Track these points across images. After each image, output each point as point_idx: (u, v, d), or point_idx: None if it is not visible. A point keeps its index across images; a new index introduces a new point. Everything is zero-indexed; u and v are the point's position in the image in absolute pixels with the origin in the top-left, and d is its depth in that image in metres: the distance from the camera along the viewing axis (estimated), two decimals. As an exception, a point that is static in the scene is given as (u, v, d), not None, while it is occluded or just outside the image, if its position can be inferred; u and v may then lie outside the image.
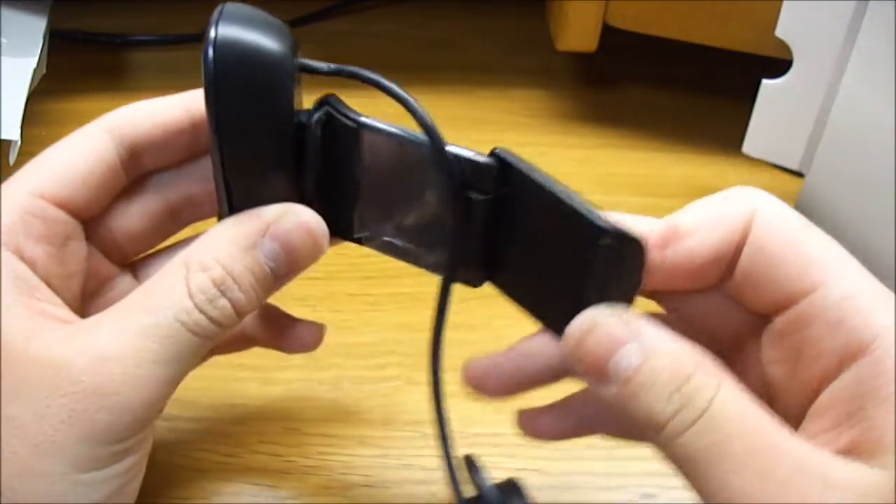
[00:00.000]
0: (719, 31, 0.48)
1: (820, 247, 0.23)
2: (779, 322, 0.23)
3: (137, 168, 0.27)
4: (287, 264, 0.25)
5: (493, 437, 0.34)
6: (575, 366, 0.21)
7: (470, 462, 0.26)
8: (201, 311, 0.24)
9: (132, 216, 0.28)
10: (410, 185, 0.25)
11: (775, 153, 0.48)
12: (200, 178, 0.28)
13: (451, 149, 0.24)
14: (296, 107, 0.24)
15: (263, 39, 0.23)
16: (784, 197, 0.49)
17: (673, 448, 0.20)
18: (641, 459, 0.32)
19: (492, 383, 0.27)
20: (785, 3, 0.44)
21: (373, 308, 0.40)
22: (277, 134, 0.24)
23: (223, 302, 0.24)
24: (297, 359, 0.37)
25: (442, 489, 0.33)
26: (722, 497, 0.19)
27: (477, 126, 0.54)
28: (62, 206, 0.25)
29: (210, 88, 0.22)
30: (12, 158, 0.39)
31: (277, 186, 0.25)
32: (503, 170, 0.24)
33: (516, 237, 0.24)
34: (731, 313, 0.25)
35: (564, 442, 0.29)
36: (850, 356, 0.21)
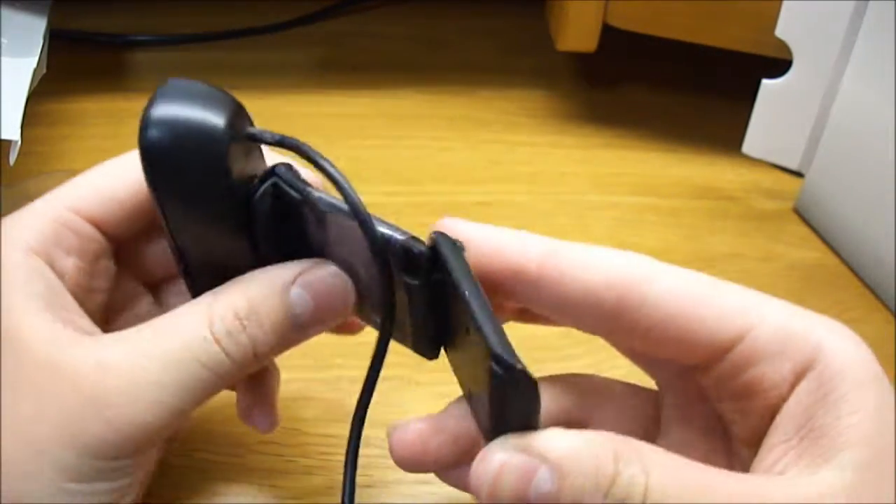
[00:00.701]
0: (719, 31, 0.48)
1: (735, 296, 0.23)
2: (717, 370, 0.23)
3: None
4: (312, 315, 0.25)
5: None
6: None
7: None
8: (217, 342, 0.23)
9: (161, 241, 0.28)
10: (358, 256, 0.25)
11: (775, 153, 0.48)
12: None
13: (384, 231, 0.23)
14: (249, 172, 0.24)
15: (198, 116, 0.22)
16: (784, 197, 0.50)
17: None
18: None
19: (433, 454, 0.26)
20: (785, 3, 0.44)
21: (373, 308, 0.40)
22: (218, 209, 0.24)
23: (243, 338, 0.24)
24: (298, 359, 0.37)
25: (443, 489, 0.33)
26: None
27: (476, 126, 0.54)
28: (96, 224, 0.26)
29: (146, 167, 0.23)
30: (12, 158, 0.39)
31: (232, 255, 0.25)
32: (437, 256, 0.23)
33: (451, 324, 0.24)
34: (668, 362, 0.25)
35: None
36: (798, 378, 0.22)
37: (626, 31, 0.49)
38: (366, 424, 0.35)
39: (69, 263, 0.25)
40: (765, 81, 0.46)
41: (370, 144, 0.51)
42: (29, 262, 0.24)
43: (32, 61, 0.43)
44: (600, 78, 0.59)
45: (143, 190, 0.26)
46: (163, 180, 0.23)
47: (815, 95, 0.45)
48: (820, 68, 0.44)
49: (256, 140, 0.24)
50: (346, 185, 0.23)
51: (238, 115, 0.23)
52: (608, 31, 0.50)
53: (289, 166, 0.25)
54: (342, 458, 0.34)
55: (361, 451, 0.34)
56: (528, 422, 0.21)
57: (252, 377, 0.30)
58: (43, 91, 0.44)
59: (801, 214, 0.48)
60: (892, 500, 0.20)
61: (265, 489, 0.32)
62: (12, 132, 0.39)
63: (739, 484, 0.20)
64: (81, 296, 0.25)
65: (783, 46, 0.45)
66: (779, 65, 0.45)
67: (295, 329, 0.25)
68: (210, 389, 0.24)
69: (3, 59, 0.43)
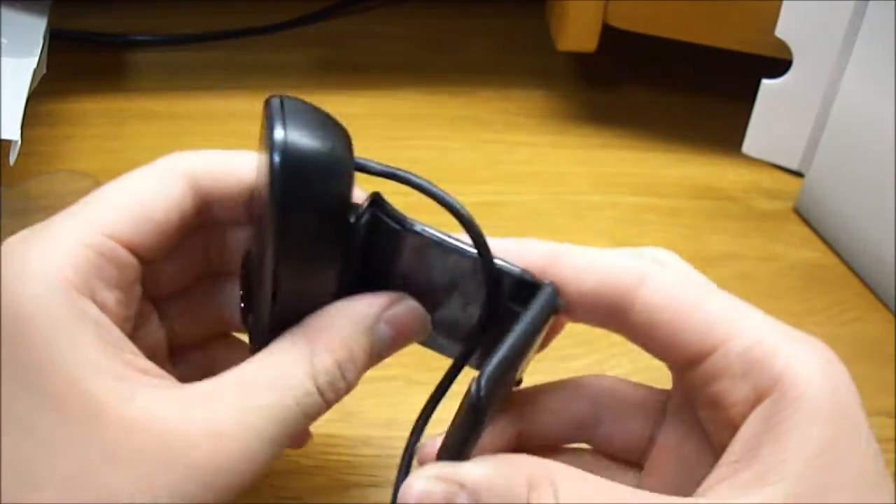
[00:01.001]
0: (719, 31, 0.48)
1: (718, 307, 0.24)
2: (690, 377, 0.24)
3: (204, 217, 0.26)
4: (392, 347, 0.25)
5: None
6: None
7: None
8: (320, 393, 0.23)
9: (180, 260, 0.27)
10: (449, 288, 0.25)
11: (775, 153, 0.48)
12: (248, 237, 0.28)
13: (498, 263, 0.25)
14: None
15: (326, 143, 0.23)
16: (784, 197, 0.50)
17: None
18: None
19: None
20: (785, 3, 0.44)
21: (373, 308, 0.40)
22: (332, 236, 0.24)
23: (342, 384, 0.24)
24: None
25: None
26: None
27: (477, 126, 0.54)
28: (133, 250, 0.24)
29: (277, 191, 0.22)
30: (12, 158, 0.39)
31: (325, 282, 0.25)
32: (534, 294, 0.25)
33: None
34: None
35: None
36: (758, 400, 0.22)
37: (626, 31, 0.49)
38: (365, 425, 0.35)
39: (110, 296, 0.23)
40: (765, 81, 0.46)
41: (370, 145, 0.51)
42: (72, 300, 0.22)
43: (32, 61, 0.43)
44: (600, 78, 0.59)
45: (181, 212, 0.25)
46: (290, 205, 0.22)
47: (815, 95, 0.45)
48: (820, 68, 0.44)
49: (364, 170, 0.24)
50: (466, 215, 0.24)
51: (350, 143, 0.24)
52: (608, 31, 0.50)
53: (383, 198, 0.25)
54: (344, 458, 0.34)
55: (362, 451, 0.34)
56: (464, 448, 0.22)
57: None
58: (43, 91, 0.44)
59: (801, 214, 0.48)
60: None
61: (265, 489, 0.32)
62: (12, 132, 0.39)
63: (645, 499, 0.21)
64: (121, 328, 0.23)
65: (783, 46, 0.45)
66: (779, 65, 0.45)
67: (374, 361, 0.25)
68: (302, 430, 0.24)
69: (3, 59, 0.43)
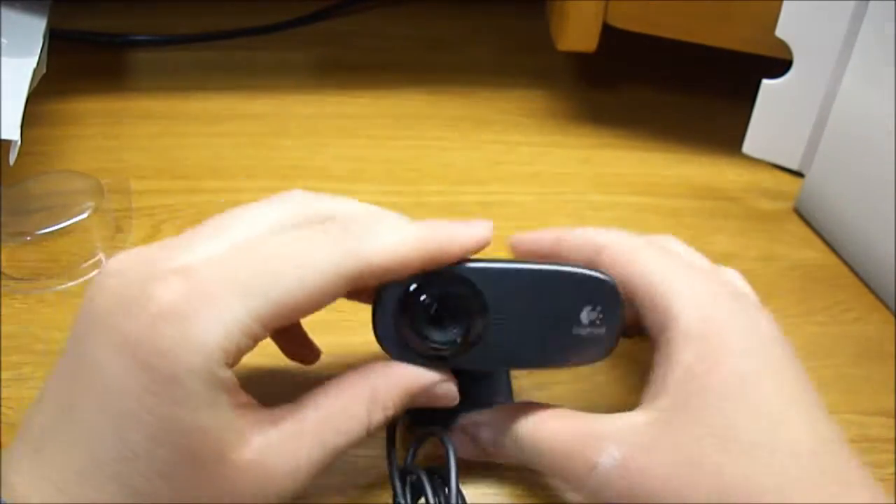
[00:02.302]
0: (719, 31, 0.48)
1: (655, 263, 0.30)
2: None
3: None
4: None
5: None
6: None
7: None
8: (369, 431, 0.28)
9: None
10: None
11: (775, 153, 0.48)
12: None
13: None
14: None
15: None
16: (784, 197, 0.50)
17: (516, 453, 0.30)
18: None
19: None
20: (785, 3, 0.44)
21: (373, 308, 0.40)
22: None
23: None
24: (298, 359, 0.37)
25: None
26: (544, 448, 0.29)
27: (477, 126, 0.54)
28: (268, 327, 0.26)
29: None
30: (12, 158, 0.39)
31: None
32: None
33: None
34: None
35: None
36: (661, 334, 0.28)
37: (626, 31, 0.49)
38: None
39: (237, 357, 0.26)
40: (765, 81, 0.46)
41: (370, 144, 0.51)
42: (219, 372, 0.25)
43: (32, 61, 0.43)
44: (600, 78, 0.59)
45: (329, 301, 0.26)
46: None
47: (815, 95, 0.45)
48: (820, 68, 0.44)
49: None
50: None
51: None
52: (608, 31, 0.50)
53: None
54: (343, 458, 0.33)
55: (361, 451, 0.34)
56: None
57: (286, 334, 0.34)
58: (43, 91, 0.44)
59: (801, 214, 0.48)
60: (688, 437, 0.26)
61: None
62: (12, 132, 0.39)
63: (574, 416, 0.29)
64: None
65: (783, 46, 0.45)
66: (779, 65, 0.45)
67: None
68: None
69: (3, 59, 0.43)
